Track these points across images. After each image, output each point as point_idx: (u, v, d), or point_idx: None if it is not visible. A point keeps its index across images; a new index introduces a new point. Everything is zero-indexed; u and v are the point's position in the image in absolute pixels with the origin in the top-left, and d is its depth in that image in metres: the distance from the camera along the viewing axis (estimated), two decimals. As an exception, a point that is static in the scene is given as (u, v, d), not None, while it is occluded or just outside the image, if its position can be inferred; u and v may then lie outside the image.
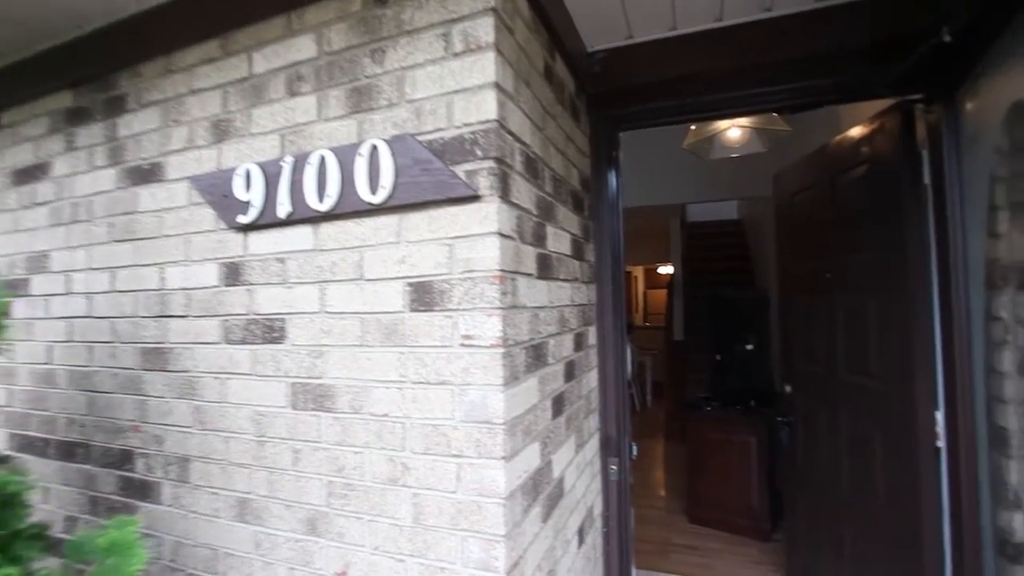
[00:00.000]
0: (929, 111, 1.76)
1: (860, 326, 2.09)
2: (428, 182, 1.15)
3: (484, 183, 1.11)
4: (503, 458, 1.08)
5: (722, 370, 3.56)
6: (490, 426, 1.09)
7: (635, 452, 2.07)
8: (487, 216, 1.11)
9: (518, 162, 1.23)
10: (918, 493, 1.80)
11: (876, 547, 2.03)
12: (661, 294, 10.82)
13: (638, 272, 12.88)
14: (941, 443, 1.75)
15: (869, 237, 2.04)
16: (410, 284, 1.18)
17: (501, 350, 1.09)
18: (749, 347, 3.84)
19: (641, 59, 1.86)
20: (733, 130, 2.63)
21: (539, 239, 1.36)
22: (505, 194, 1.14)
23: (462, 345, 1.12)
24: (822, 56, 1.69)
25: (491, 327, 1.09)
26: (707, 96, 1.89)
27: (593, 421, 1.89)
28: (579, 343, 1.72)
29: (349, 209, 1.23)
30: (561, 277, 1.54)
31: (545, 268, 1.39)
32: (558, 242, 1.53)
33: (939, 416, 1.76)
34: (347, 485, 1.23)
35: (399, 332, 1.19)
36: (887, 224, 1.93)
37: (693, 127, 2.76)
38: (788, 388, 2.73)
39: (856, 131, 2.13)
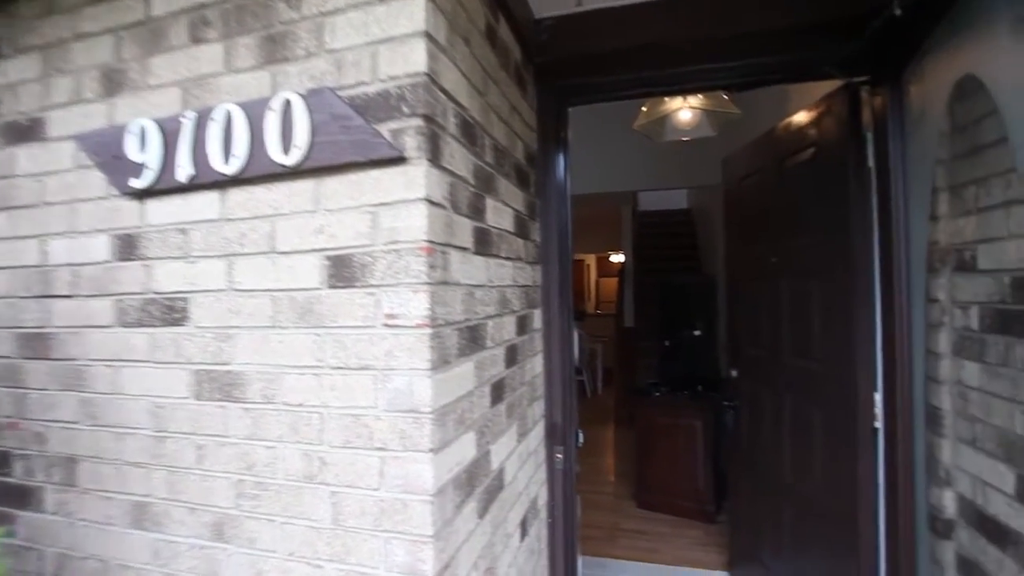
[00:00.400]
0: (875, 92, 1.75)
1: (804, 310, 2.10)
2: (348, 141, 1.02)
3: (411, 143, 0.99)
4: (431, 450, 0.97)
5: (670, 356, 3.57)
6: (416, 415, 0.97)
7: (581, 440, 2.00)
8: (413, 180, 0.99)
9: (452, 124, 1.11)
10: (855, 472, 1.82)
11: (815, 526, 2.05)
12: (613, 282, 10.93)
13: (591, 260, 12.97)
14: (879, 424, 1.77)
15: (814, 221, 2.03)
16: (328, 257, 1.05)
17: (428, 331, 0.97)
18: (696, 333, 3.87)
19: (590, 28, 1.76)
20: (684, 112, 2.59)
21: (477, 211, 1.25)
22: (435, 157, 1.02)
23: (385, 325, 1.00)
24: (775, 32, 1.65)
25: (417, 305, 0.98)
26: (658, 70, 1.82)
27: (538, 408, 1.81)
28: (523, 326, 1.63)
29: (259, 172, 1.08)
30: (502, 255, 1.44)
31: (483, 243, 1.29)
32: (499, 217, 1.42)
33: (878, 397, 1.77)
34: (258, 484, 1.10)
35: (316, 311, 1.06)
36: (832, 208, 1.92)
37: (644, 108, 2.71)
38: (734, 372, 2.74)
39: (803, 114, 2.12)
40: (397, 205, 1.00)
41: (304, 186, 1.07)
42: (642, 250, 8.07)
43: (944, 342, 1.52)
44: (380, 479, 1.00)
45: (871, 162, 1.78)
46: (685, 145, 5.92)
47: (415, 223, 0.98)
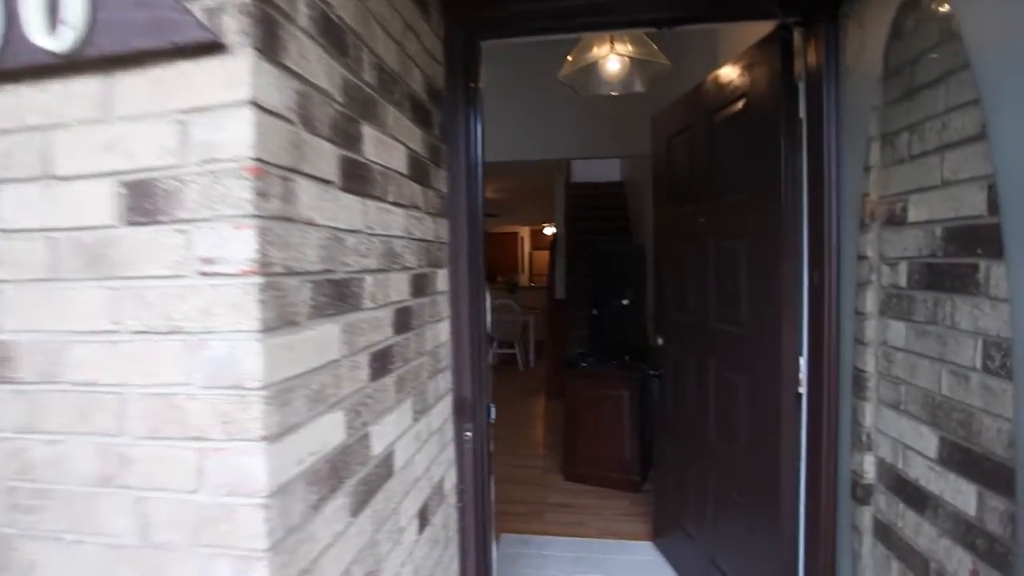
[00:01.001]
0: (810, 35, 1.62)
1: (732, 273, 1.99)
2: (142, 19, 0.73)
3: (232, 26, 0.72)
4: (264, 438, 0.74)
5: (599, 326, 3.47)
6: (242, 393, 0.73)
7: (493, 415, 1.82)
8: (235, 76, 0.72)
9: (304, 15, 0.85)
10: (778, 440, 1.74)
11: (738, 494, 1.99)
12: (547, 255, 10.86)
13: (524, 233, 12.85)
14: (803, 389, 1.69)
15: (743, 178, 1.92)
16: (124, 184, 0.77)
17: (259, 280, 0.73)
18: (625, 302, 3.79)
19: (503, -58, 1.52)
20: (612, 61, 2.40)
21: (347, 139, 1.00)
22: (271, 50, 0.76)
23: (201, 274, 0.74)
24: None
25: (241, 245, 0.72)
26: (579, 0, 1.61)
27: (443, 382, 1.60)
28: (420, 287, 1.40)
29: (21, 62, 0.77)
30: (389, 199, 1.20)
31: (357, 179, 1.04)
32: (385, 153, 1.17)
33: (802, 362, 1.69)
34: (38, 492, 0.82)
35: (109, 257, 0.78)
36: (761, 163, 1.80)
37: (570, 57, 2.50)
38: (660, 340, 2.65)
39: (733, 65, 1.98)
40: (214, 111, 0.73)
41: (88, 85, 0.78)
42: (574, 222, 7.99)
43: (871, 301, 1.44)
44: (198, 478, 0.75)
45: (802, 112, 1.67)
46: (617, 113, 5.80)
47: (237, 135, 0.72)
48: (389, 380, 1.17)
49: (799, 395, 1.71)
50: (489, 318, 1.88)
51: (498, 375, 7.79)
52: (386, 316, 1.16)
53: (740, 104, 1.93)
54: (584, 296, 5.75)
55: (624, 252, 3.95)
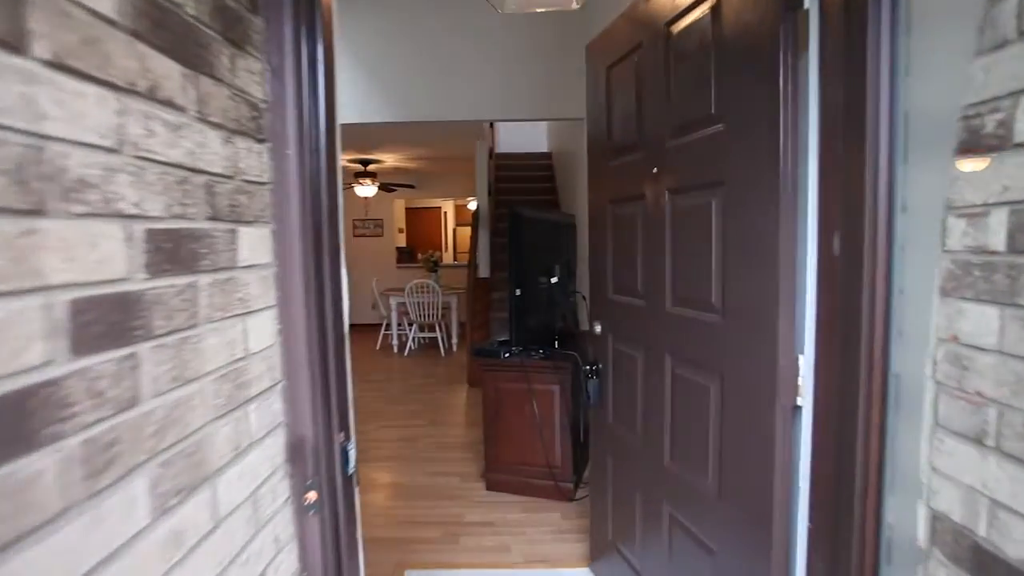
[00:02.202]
0: None
1: (698, 238, 1.47)
2: None
3: None
4: None
5: (522, 308, 2.91)
6: None
7: (353, 461, 1.20)
8: None
9: None
10: (767, 469, 1.25)
11: (709, 540, 1.50)
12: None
13: (448, 207, 12.11)
14: (804, 399, 1.20)
15: (719, 101, 1.38)
16: None
17: None
18: (553, 280, 3.25)
19: None
20: (536, -42, 1.80)
21: None
22: None
23: None
24: None
25: None
26: None
27: (261, 414, 0.96)
28: (181, 255, 0.74)
29: None
30: (117, 82, 0.53)
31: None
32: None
33: (803, 362, 1.20)
34: None
35: None
36: (748, 74, 1.27)
37: (482, -47, 1.86)
38: (597, 328, 2.12)
39: (701, -51, 1.42)
40: None
41: None
42: (499, 195, 7.40)
43: (926, 273, 0.95)
44: None
45: None
46: (543, 73, 5.21)
47: None
48: (48, 459, 0.52)
49: (796, 408, 1.22)
50: (346, 305, 1.24)
51: (418, 362, 7.14)
52: (38, 316, 0.50)
53: (711, 1, 1.39)
54: (509, 275, 5.21)
55: (551, 221, 3.40)
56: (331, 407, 1.07)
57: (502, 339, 3.19)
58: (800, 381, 1.20)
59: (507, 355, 3.02)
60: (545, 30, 5.14)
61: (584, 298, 4.02)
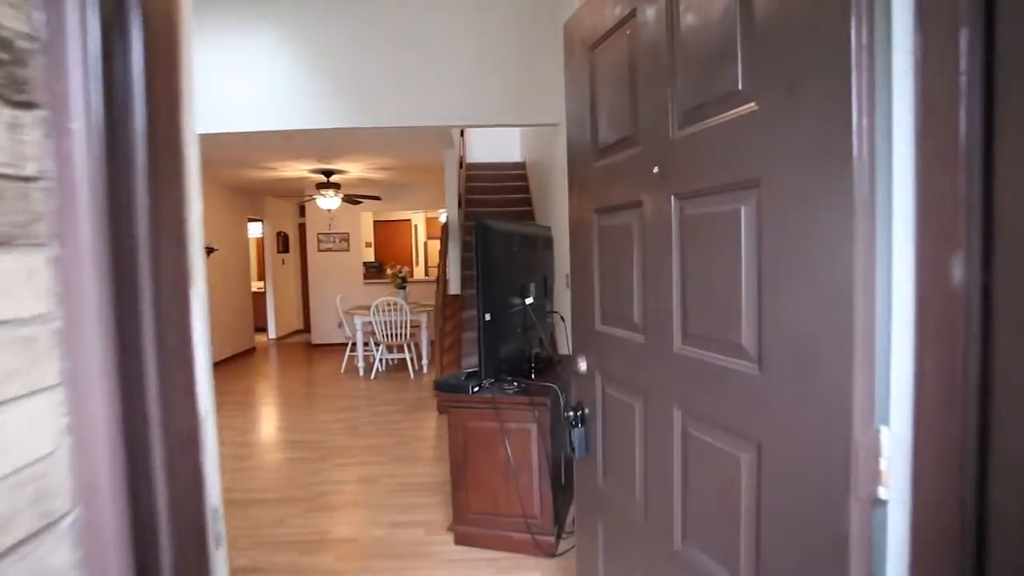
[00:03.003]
0: None
1: (719, 258, 1.10)
2: None
3: None
4: None
5: (493, 336, 2.51)
6: None
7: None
8: None
9: None
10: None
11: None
12: (443, 245, 9.83)
13: (418, 220, 11.69)
14: (892, 491, 0.83)
15: (747, 76, 1.02)
16: None
17: None
18: (528, 300, 2.87)
19: None
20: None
21: None
22: None
23: None
24: None
25: None
26: None
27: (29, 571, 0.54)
28: None
29: None
30: None
31: None
32: None
33: (888, 438, 0.83)
34: None
35: None
36: (794, 38, 0.91)
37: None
38: (581, 364, 1.73)
39: None
40: None
41: None
42: (470, 206, 7.04)
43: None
44: None
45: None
46: (514, 76, 4.87)
47: None
48: None
49: (879, 502, 0.85)
50: (205, 364, 0.82)
51: (385, 386, 6.66)
52: None
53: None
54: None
55: (525, 234, 3.02)
56: (167, 551, 0.65)
57: (470, 370, 2.79)
58: (884, 465, 0.83)
59: (476, 390, 2.62)
60: (518, 32, 4.81)
61: (563, 319, 3.65)
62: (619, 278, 1.50)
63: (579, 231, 1.76)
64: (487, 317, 2.47)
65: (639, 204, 1.36)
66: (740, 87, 1.03)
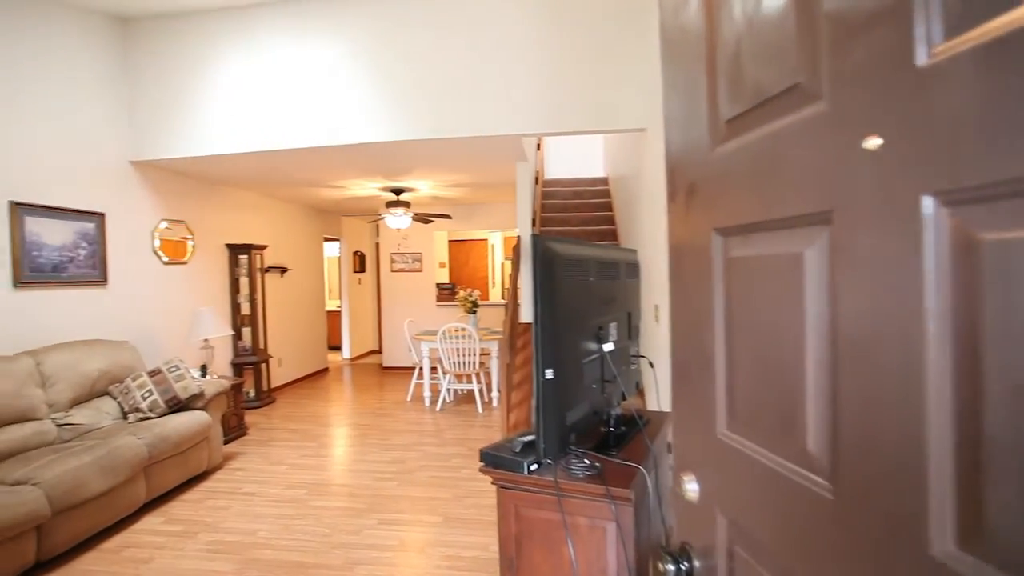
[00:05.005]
0: None
1: None
2: None
3: None
4: None
5: (556, 399, 1.86)
6: None
7: None
8: None
9: None
10: None
11: None
12: (519, 266, 9.33)
13: (495, 239, 11.27)
14: None
15: None
16: None
17: None
18: (607, 345, 2.19)
19: None
20: None
21: None
22: None
23: None
24: None
25: None
26: None
27: None
28: None
29: None
30: None
31: None
32: None
33: None
34: None
35: None
36: None
37: None
38: (690, 488, 1.04)
39: None
40: None
41: None
42: (546, 225, 6.45)
43: None
44: None
45: None
46: (591, 80, 4.25)
47: None
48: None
49: None
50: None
51: (450, 420, 6.13)
52: None
53: None
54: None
55: (605, 259, 2.36)
56: None
57: (526, 438, 2.14)
58: None
59: (533, 468, 1.96)
60: (595, 31, 4.20)
61: (652, 365, 2.91)
62: (770, 354, 0.81)
63: (685, 264, 1.08)
64: (548, 375, 1.82)
65: (825, 217, 0.67)
66: None
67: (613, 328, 2.31)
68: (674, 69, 1.11)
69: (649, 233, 4.09)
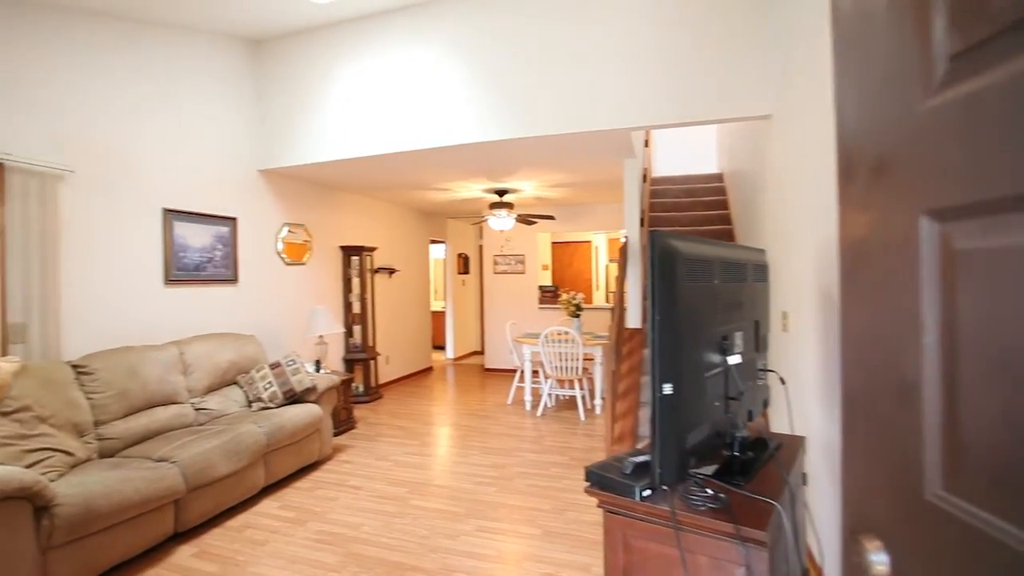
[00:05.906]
0: None
1: None
2: None
3: None
4: None
5: (677, 412, 1.63)
6: None
7: None
8: None
9: None
10: None
11: None
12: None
13: (600, 241, 10.96)
14: None
15: None
16: None
17: None
18: (734, 360, 1.91)
19: None
20: None
21: None
22: None
23: None
24: None
25: None
26: None
27: None
28: None
29: None
30: None
31: None
32: None
33: None
34: None
35: None
36: None
37: None
38: (877, 562, 0.78)
39: None
40: None
41: None
42: (655, 224, 6.09)
43: None
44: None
45: None
46: (713, 69, 3.87)
47: None
48: None
49: None
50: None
51: (551, 427, 5.97)
52: None
53: None
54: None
55: (731, 260, 2.07)
56: None
57: (640, 458, 1.90)
58: None
59: (646, 495, 1.74)
60: (716, 12, 3.83)
61: (783, 381, 2.54)
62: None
63: (869, 263, 0.82)
64: (666, 389, 1.60)
65: None
66: None
67: (739, 338, 2.02)
68: (854, 19, 0.86)
69: (777, 230, 3.65)
